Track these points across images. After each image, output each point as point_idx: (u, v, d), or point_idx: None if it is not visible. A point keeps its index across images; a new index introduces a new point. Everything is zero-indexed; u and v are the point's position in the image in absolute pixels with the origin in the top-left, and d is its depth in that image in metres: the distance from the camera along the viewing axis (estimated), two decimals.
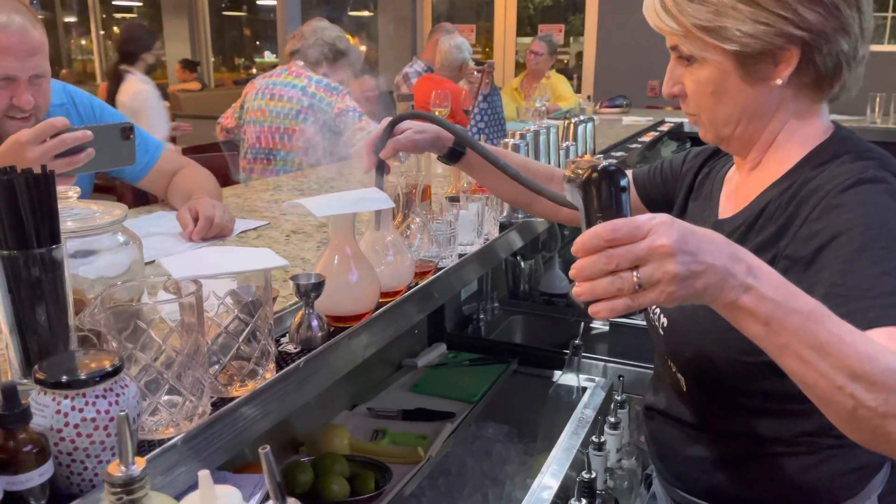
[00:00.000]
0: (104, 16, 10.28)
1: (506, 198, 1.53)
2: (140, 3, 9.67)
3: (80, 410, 0.64)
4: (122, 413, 0.54)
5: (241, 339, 0.87)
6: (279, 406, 0.92)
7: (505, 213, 1.76)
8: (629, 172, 1.36)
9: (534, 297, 2.43)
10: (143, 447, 0.74)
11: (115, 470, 0.55)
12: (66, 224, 0.88)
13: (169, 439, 0.75)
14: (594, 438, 1.47)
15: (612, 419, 1.56)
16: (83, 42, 10.68)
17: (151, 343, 0.77)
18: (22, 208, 0.74)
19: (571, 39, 7.69)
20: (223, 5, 10.59)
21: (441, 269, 1.35)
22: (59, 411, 0.64)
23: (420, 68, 4.74)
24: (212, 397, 0.86)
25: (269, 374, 0.91)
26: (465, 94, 3.84)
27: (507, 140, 1.84)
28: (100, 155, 1.34)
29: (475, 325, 2.17)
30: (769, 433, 0.98)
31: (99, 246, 0.90)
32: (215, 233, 1.49)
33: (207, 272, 0.82)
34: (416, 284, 1.26)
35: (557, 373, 1.84)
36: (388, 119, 1.24)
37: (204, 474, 0.57)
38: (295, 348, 1.01)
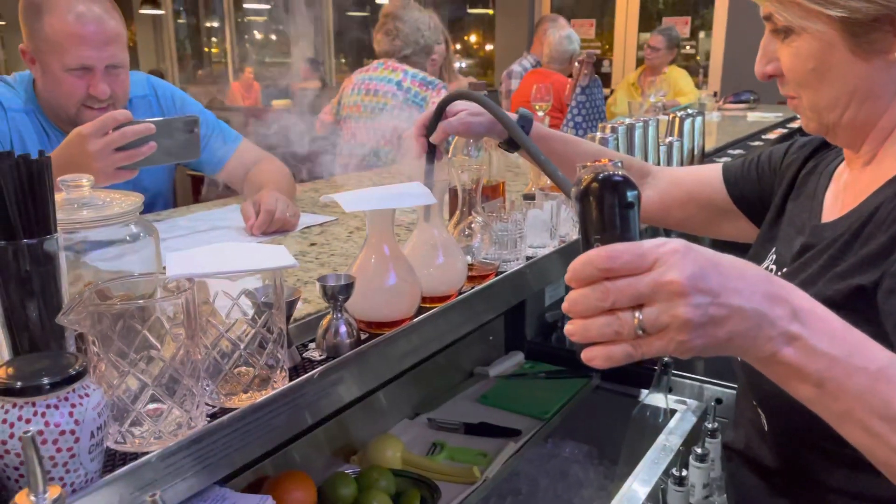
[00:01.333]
0: (238, 20, 10.82)
1: None
2: (269, 6, 10.06)
3: (27, 421, 0.58)
4: (27, 434, 0.47)
5: (242, 346, 0.79)
6: (291, 419, 0.83)
7: None
8: (718, 165, 1.19)
9: None
10: (121, 461, 0.68)
11: (24, 501, 0.47)
12: (83, 213, 0.84)
13: (143, 454, 0.68)
14: (674, 471, 1.30)
15: (699, 450, 1.37)
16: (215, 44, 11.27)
17: (145, 346, 0.71)
18: (6, 196, 0.69)
19: (703, 34, 7.27)
20: (347, 6, 10.86)
21: (502, 273, 1.23)
22: (4, 420, 0.58)
23: (529, 63, 4.60)
24: (213, 408, 0.79)
25: (280, 383, 0.83)
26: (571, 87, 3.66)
27: (594, 134, 1.69)
28: (163, 148, 1.31)
29: (559, 334, 2.01)
30: (867, 491, 0.79)
31: (112, 237, 0.86)
32: (277, 227, 1.44)
33: (202, 271, 0.74)
34: (471, 289, 1.15)
35: (644, 391, 1.66)
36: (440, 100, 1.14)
37: None
38: (320, 356, 0.92)
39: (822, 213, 0.91)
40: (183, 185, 3.96)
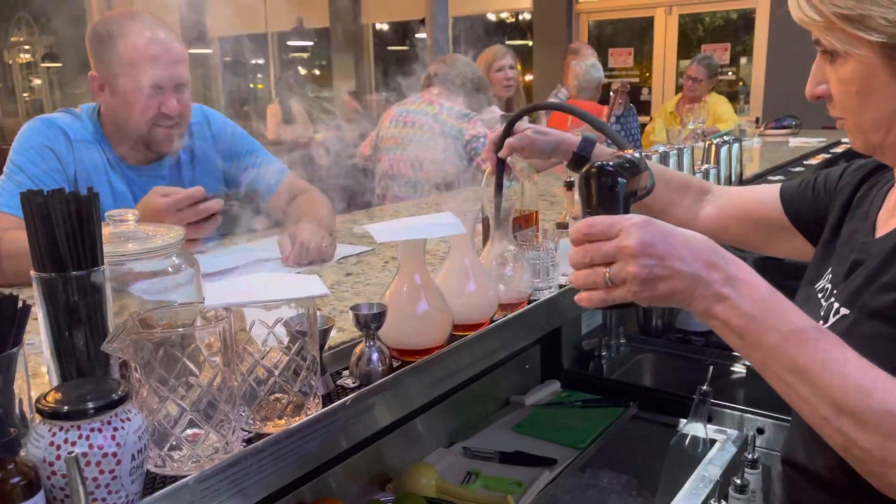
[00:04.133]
0: (282, 57, 11.15)
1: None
2: (311, 43, 10.35)
3: (73, 444, 0.61)
4: (71, 455, 0.50)
5: (277, 373, 0.82)
6: (323, 445, 0.85)
7: None
8: (775, 186, 1.20)
9: (668, 334, 2.22)
10: (161, 484, 0.71)
11: None
12: (128, 245, 0.88)
13: (181, 477, 0.70)
14: (712, 502, 1.28)
15: (739, 481, 1.35)
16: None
17: (184, 373, 0.74)
18: (57, 230, 0.74)
19: (744, 60, 7.22)
20: (387, 40, 11.09)
21: (534, 301, 1.24)
22: (52, 443, 0.61)
23: (564, 95, 4.62)
24: (249, 433, 0.81)
25: (314, 410, 0.85)
26: (606, 115, 3.68)
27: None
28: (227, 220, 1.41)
29: (596, 363, 2.00)
30: None
31: (155, 268, 0.90)
32: (312, 258, 1.48)
33: (238, 300, 0.78)
34: (503, 317, 1.16)
35: (682, 421, 1.64)
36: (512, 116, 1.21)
37: None
38: (353, 383, 0.95)
39: (874, 232, 0.93)
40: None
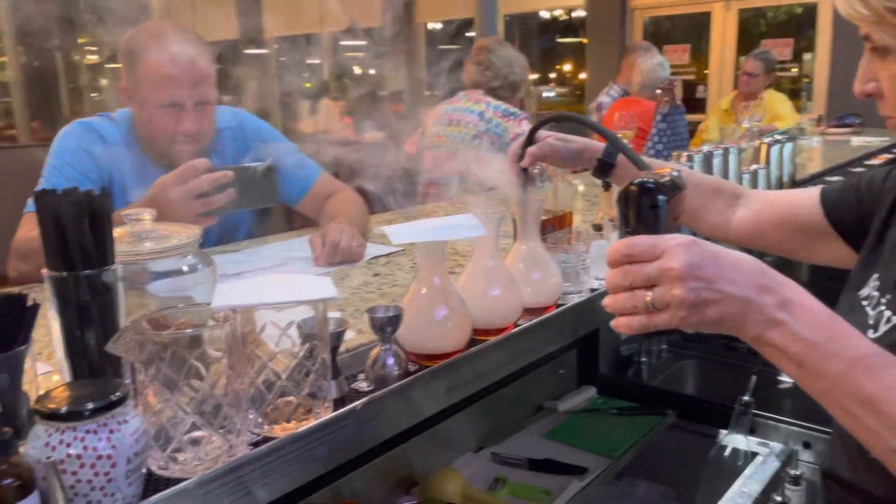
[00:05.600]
0: (336, 56, 11.29)
1: None
2: (365, 43, 10.44)
3: (68, 445, 0.61)
4: (49, 459, 0.49)
5: (285, 376, 0.81)
6: (333, 450, 0.84)
7: None
8: (814, 190, 1.14)
9: (712, 339, 2.14)
10: (164, 486, 0.70)
11: None
12: (144, 245, 0.88)
13: (180, 481, 0.70)
14: None
15: (779, 498, 1.29)
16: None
17: (189, 374, 0.73)
18: (68, 229, 0.74)
19: (807, 56, 6.96)
20: (439, 39, 11.10)
21: (562, 305, 1.20)
22: (47, 444, 0.61)
23: (616, 93, 4.54)
24: (257, 436, 0.80)
25: (323, 413, 0.84)
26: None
27: (664, 164, 1.64)
28: (242, 194, 1.37)
29: (636, 369, 1.94)
30: None
31: (171, 268, 0.90)
32: (341, 258, 1.47)
33: (246, 302, 0.77)
34: (528, 322, 1.13)
35: (723, 432, 1.57)
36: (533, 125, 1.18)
37: None
38: (368, 386, 0.93)
39: None
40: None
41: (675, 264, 0.66)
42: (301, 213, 1.92)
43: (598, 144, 1.21)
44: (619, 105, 3.97)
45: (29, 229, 1.46)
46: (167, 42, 1.56)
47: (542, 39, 10.74)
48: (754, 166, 2.01)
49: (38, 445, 0.61)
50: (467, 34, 9.60)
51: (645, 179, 0.75)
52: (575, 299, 1.24)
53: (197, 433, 0.74)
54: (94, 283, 0.76)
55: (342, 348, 0.94)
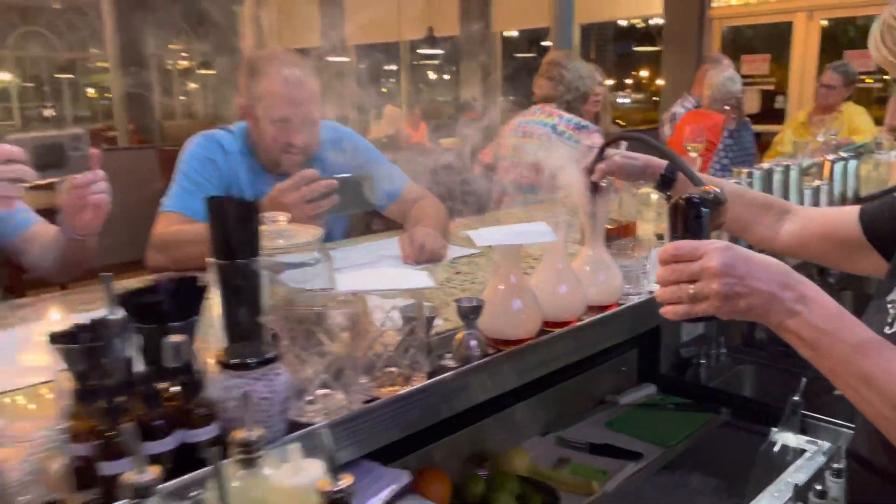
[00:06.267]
0: (413, 63, 11.62)
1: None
2: (441, 52, 10.69)
3: (239, 388, 0.82)
4: (244, 391, 0.70)
5: (392, 349, 1.00)
6: (425, 412, 1.03)
7: None
8: (854, 207, 1.27)
9: (770, 346, 2.23)
10: (294, 427, 0.91)
11: (239, 434, 0.70)
12: (279, 242, 1.09)
13: (311, 425, 0.90)
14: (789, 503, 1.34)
15: (820, 487, 1.40)
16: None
17: (318, 343, 0.94)
18: (229, 227, 0.96)
19: None
20: (514, 48, 11.26)
21: (623, 304, 1.37)
22: (225, 387, 0.82)
23: (690, 104, 4.60)
24: (368, 396, 1.00)
25: (419, 382, 1.03)
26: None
27: (715, 179, 1.77)
28: (342, 200, 1.59)
29: (694, 371, 2.07)
30: None
31: (299, 261, 1.11)
32: (427, 258, 1.67)
33: (363, 287, 0.97)
34: (590, 318, 1.30)
35: (773, 430, 1.69)
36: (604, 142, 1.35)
37: (294, 447, 0.70)
38: (454, 364, 1.12)
39: None
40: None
41: (713, 263, 0.82)
42: (389, 217, 2.13)
43: (659, 161, 1.36)
44: (690, 117, 4.04)
45: (164, 226, 1.71)
46: (281, 66, 1.79)
47: (618, 45, 10.76)
48: (817, 182, 2.10)
49: (218, 388, 0.82)
50: (542, 43, 9.75)
51: (691, 195, 0.92)
52: (635, 300, 1.39)
53: (324, 391, 0.94)
54: (247, 271, 0.97)
55: (432, 332, 1.13)
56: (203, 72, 13.25)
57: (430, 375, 1.06)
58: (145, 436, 0.75)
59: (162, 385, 0.80)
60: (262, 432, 0.71)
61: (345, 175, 1.63)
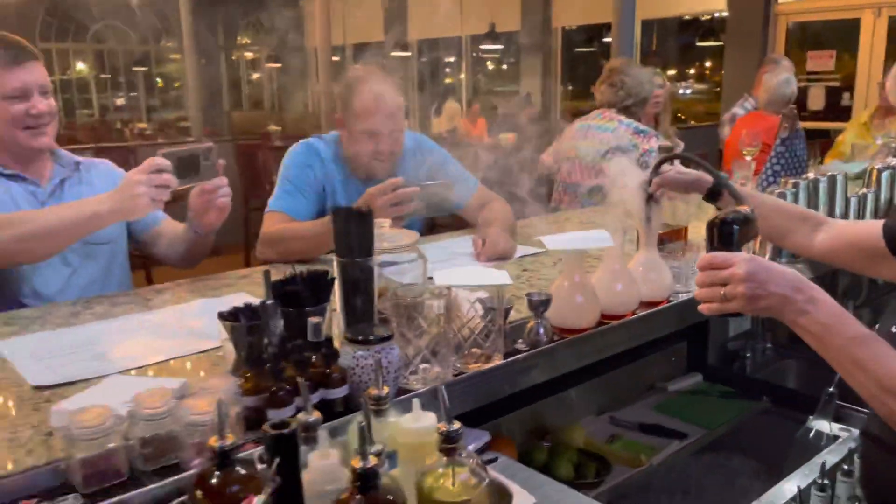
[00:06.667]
0: (474, 54, 11.82)
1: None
2: (501, 47, 10.85)
3: (363, 358, 1.06)
4: (376, 359, 0.94)
5: (476, 333, 1.23)
6: (502, 384, 1.26)
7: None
8: (879, 221, 1.44)
9: None
10: (401, 393, 1.14)
11: (372, 392, 0.94)
12: (383, 244, 1.34)
13: (414, 391, 1.14)
14: (818, 479, 1.53)
15: (847, 467, 1.58)
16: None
17: (418, 326, 1.17)
18: (349, 232, 1.20)
19: None
20: (577, 42, 11.33)
21: (672, 301, 1.57)
22: (353, 357, 1.06)
23: (750, 105, 4.68)
24: (457, 370, 1.23)
25: (497, 360, 1.26)
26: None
27: (764, 195, 1.94)
28: (427, 205, 1.84)
29: (740, 363, 2.24)
30: None
31: (399, 260, 1.35)
32: (497, 256, 1.89)
33: (455, 282, 1.20)
34: (643, 311, 1.50)
35: (810, 417, 1.86)
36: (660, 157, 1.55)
37: (416, 402, 0.94)
38: (525, 348, 1.34)
39: None
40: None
41: (740, 271, 1.03)
42: (462, 217, 2.36)
43: (708, 176, 1.55)
44: (747, 121, 4.15)
45: (270, 224, 1.98)
46: (373, 84, 2.04)
47: (679, 39, 10.72)
48: (863, 190, 2.23)
49: (347, 357, 1.07)
50: (605, 39, 9.81)
51: (726, 215, 1.13)
52: (683, 297, 1.59)
53: (423, 365, 1.18)
54: (363, 267, 1.21)
55: (508, 320, 1.35)
56: (270, 65, 13.75)
57: (506, 356, 1.29)
58: (297, 393, 0.99)
59: (307, 354, 1.05)
60: (388, 390, 0.95)
61: (427, 182, 1.87)
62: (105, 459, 0.88)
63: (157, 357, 1.27)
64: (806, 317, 1.02)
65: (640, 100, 3.38)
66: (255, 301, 1.09)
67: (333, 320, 1.20)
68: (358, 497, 0.74)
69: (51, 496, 0.85)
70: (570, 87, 10.96)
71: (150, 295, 1.66)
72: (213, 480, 0.77)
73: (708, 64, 10.70)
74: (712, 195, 1.52)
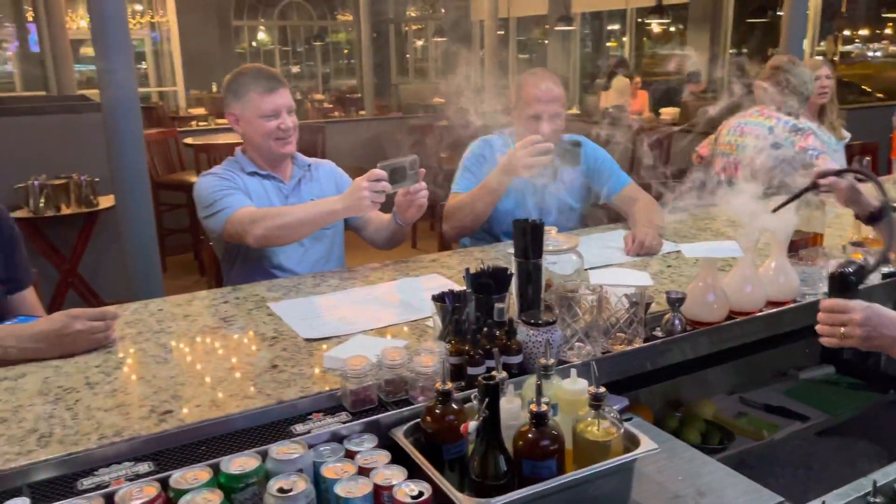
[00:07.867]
0: (639, 20, 11.69)
1: None
2: (668, 21, 10.66)
3: (534, 335, 1.44)
4: (536, 337, 1.32)
5: (621, 322, 1.58)
6: (640, 363, 1.60)
7: None
8: None
9: None
10: (560, 364, 1.51)
11: (542, 361, 1.32)
12: (548, 247, 1.70)
13: (570, 363, 1.50)
14: None
15: None
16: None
17: (575, 313, 1.54)
18: (527, 239, 1.58)
19: None
20: (748, 11, 10.88)
21: (797, 302, 1.81)
22: (527, 334, 1.45)
23: None
24: (604, 349, 1.59)
25: (637, 344, 1.60)
26: None
27: None
28: (561, 159, 2.25)
29: (875, 359, 2.39)
30: None
31: (563, 259, 1.71)
32: (644, 251, 2.20)
33: (606, 282, 1.55)
34: (769, 310, 1.77)
35: None
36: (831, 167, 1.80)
37: (573, 371, 1.31)
38: (662, 335, 1.66)
39: None
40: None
41: (856, 316, 1.33)
42: (610, 207, 2.66)
43: (874, 202, 1.76)
44: None
45: (453, 201, 2.45)
46: (538, 79, 2.43)
47: (867, 6, 9.98)
48: None
49: (523, 335, 1.45)
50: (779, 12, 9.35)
51: (845, 269, 1.44)
52: (809, 299, 1.83)
53: (578, 344, 1.54)
54: (535, 265, 1.59)
55: (648, 312, 1.67)
56: (437, 39, 14.36)
57: (645, 341, 1.62)
58: (489, 357, 1.39)
59: (494, 329, 1.45)
60: (553, 361, 1.33)
61: (564, 140, 2.25)
62: (364, 391, 1.33)
63: (381, 323, 1.73)
64: None
65: (802, 98, 3.46)
66: (448, 282, 1.50)
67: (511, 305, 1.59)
68: (533, 430, 1.12)
69: (332, 413, 1.31)
70: (740, 58, 10.58)
71: (368, 272, 2.15)
72: (438, 411, 1.19)
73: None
74: (872, 219, 1.75)
